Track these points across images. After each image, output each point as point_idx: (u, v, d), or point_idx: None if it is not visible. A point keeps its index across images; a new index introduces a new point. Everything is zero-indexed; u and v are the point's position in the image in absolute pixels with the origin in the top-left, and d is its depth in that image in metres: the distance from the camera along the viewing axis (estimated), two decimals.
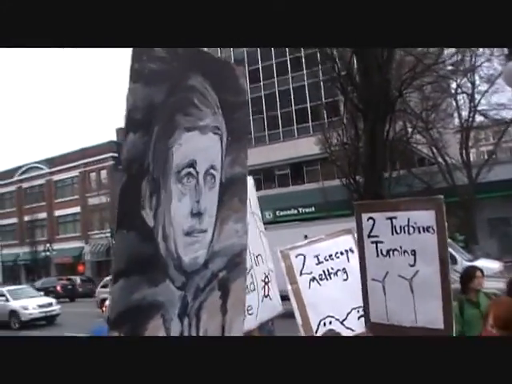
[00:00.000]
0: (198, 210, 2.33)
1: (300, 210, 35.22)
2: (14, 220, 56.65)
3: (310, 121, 37.56)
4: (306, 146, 34.33)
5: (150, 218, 2.05)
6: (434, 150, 30.15)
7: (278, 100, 40.37)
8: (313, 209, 33.87)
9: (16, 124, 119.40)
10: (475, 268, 7.29)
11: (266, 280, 4.57)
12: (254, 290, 4.45)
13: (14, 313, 21.74)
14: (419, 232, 3.53)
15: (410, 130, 29.29)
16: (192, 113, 2.27)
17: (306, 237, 5.07)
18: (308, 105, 38.12)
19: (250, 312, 4.37)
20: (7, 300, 22.18)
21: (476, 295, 6.31)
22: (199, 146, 2.31)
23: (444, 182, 28.88)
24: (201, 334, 2.38)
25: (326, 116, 31.23)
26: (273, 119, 40.70)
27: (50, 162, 53.55)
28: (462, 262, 15.81)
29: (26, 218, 53.60)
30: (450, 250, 16.95)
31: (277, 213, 35.38)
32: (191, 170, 2.28)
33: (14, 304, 21.79)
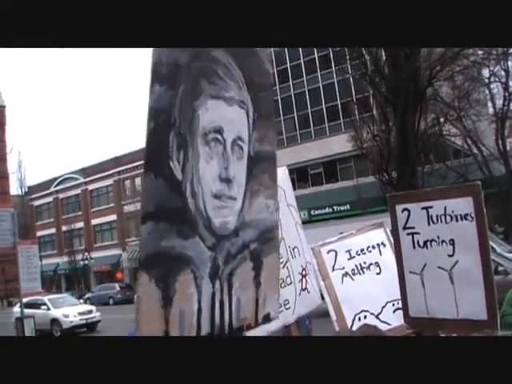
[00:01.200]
0: (227, 176, 2.34)
1: (335, 208, 35.08)
2: (52, 231, 57.69)
3: (341, 118, 37.29)
4: (339, 144, 34.14)
5: (178, 171, 2.07)
6: (469, 141, 29.60)
7: (307, 99, 40.23)
8: (348, 206, 33.66)
9: (50, 135, 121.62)
10: None
11: (304, 273, 4.50)
12: (291, 283, 4.38)
13: (55, 321, 22.22)
14: (457, 220, 3.40)
15: (442, 120, 28.75)
16: (217, 82, 2.28)
17: (341, 234, 5.00)
18: (338, 102, 37.88)
19: (287, 306, 4.31)
20: (48, 309, 22.67)
21: None
22: (226, 115, 2.32)
23: (480, 173, 28.32)
24: (233, 302, 2.40)
25: (356, 112, 30.89)
26: (304, 118, 40.59)
27: (85, 171, 54.43)
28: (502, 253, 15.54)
29: (64, 228, 54.55)
30: (490, 241, 16.82)
31: (312, 212, 35.27)
32: (218, 135, 2.30)
33: (55, 312, 22.33)
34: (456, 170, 28.49)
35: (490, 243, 12.43)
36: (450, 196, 3.44)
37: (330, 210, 35.20)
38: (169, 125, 2.03)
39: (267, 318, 2.74)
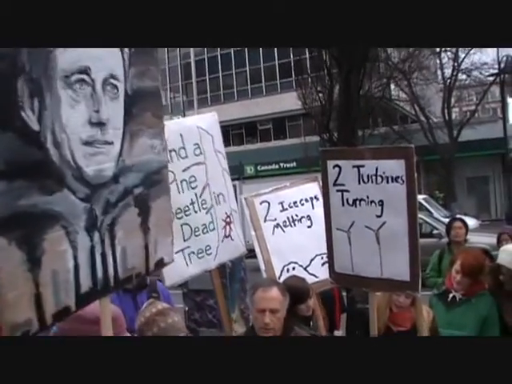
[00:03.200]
0: (99, 120, 2.13)
1: (281, 164, 35.15)
2: None
3: (293, 75, 37.14)
4: (289, 101, 34.00)
5: (33, 121, 1.83)
6: (416, 108, 30.08)
7: (261, 53, 39.81)
8: (294, 164, 33.79)
9: None
10: (455, 219, 7.43)
11: (228, 220, 4.48)
12: (214, 229, 4.36)
13: None
14: (387, 182, 3.39)
15: (389, 83, 29.06)
16: None
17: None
18: (292, 59, 37.64)
19: (208, 252, 4.32)
20: None
21: (457, 246, 6.43)
22: (92, 53, 2.10)
23: (425, 139, 28.91)
24: (117, 252, 2.25)
25: (309, 71, 30.80)
26: (256, 73, 40.19)
27: None
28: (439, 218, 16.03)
29: None
30: (428, 206, 17.30)
31: (258, 167, 35.31)
32: (84, 76, 2.06)
33: None
34: (402, 135, 28.95)
35: (429, 208, 12.88)
36: (382, 157, 3.43)
37: (277, 166, 35.29)
38: (14, 71, 1.78)
39: (161, 264, 2.62)
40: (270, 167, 35.10)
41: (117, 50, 2.26)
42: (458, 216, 9.75)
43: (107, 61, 2.20)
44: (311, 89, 28.01)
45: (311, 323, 4.24)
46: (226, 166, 4.60)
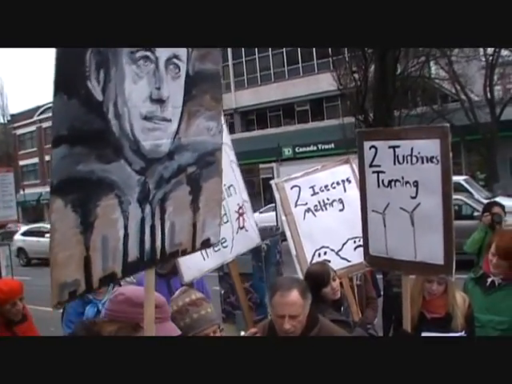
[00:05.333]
0: (159, 97, 2.19)
1: (319, 146, 34.91)
2: (35, 160, 57.06)
3: (330, 56, 36.76)
4: (326, 82, 33.63)
5: (97, 92, 1.90)
6: (457, 86, 29.39)
7: None
8: (332, 145, 33.53)
9: (34, 62, 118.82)
10: (491, 204, 7.32)
11: (241, 211, 4.47)
12: (228, 221, 4.36)
13: None
14: (422, 162, 3.31)
15: (426, 62, 28.42)
16: None
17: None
18: None
19: (224, 244, 4.33)
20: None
21: (495, 229, 6.35)
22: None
23: (466, 119, 28.27)
24: (166, 227, 2.31)
25: (346, 51, 30.44)
26: (292, 54, 39.87)
27: (39, 109, 53.51)
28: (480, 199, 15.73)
29: (47, 158, 53.78)
30: (469, 187, 16.97)
31: (296, 149, 35.16)
32: (148, 53, 2.13)
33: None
34: (442, 114, 28.37)
35: (470, 189, 12.66)
36: (417, 137, 3.35)
37: (315, 148, 35.07)
38: (83, 44, 1.86)
39: (207, 243, 2.66)
40: (307, 149, 34.92)
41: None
42: (494, 200, 9.55)
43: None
44: (346, 69, 27.61)
45: (343, 308, 4.19)
46: (233, 157, 4.63)
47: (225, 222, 4.35)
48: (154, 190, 2.22)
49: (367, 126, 25.33)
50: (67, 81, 1.79)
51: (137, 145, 2.11)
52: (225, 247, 4.34)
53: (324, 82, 34.50)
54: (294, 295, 3.10)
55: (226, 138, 4.50)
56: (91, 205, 1.92)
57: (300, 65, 39.66)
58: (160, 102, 2.20)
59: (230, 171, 4.50)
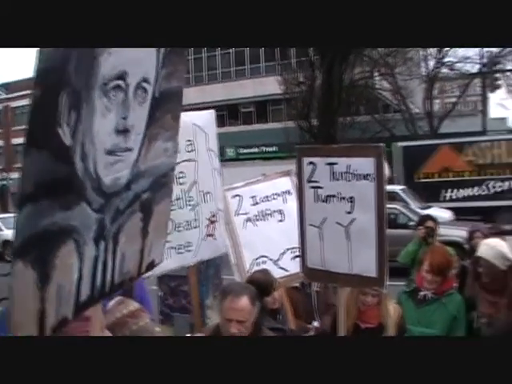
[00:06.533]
0: (125, 127, 2.06)
1: (263, 148, 35.16)
2: None
3: (278, 60, 37.07)
4: (273, 85, 33.95)
5: (67, 136, 1.75)
6: (399, 98, 30.21)
7: None
8: (275, 148, 33.83)
9: None
10: (425, 217, 7.60)
11: (213, 219, 4.50)
12: (197, 227, 4.39)
13: (7, 243, 19.51)
14: (358, 179, 3.45)
15: (373, 73, 29.17)
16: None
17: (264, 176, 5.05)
18: None
19: (188, 248, 4.35)
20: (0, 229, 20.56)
21: (428, 243, 6.58)
22: (132, 56, 2.03)
23: (405, 129, 29.08)
24: (117, 259, 2.21)
25: (294, 56, 30.78)
26: (240, 55, 40.00)
27: (8, 87, 51.48)
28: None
29: (14, 141, 51.01)
30: (405, 197, 17.46)
31: (239, 150, 35.27)
32: (120, 82, 1.99)
33: (8, 233, 19.48)
34: (383, 125, 29.10)
35: (406, 198, 12.96)
36: (354, 155, 3.48)
37: (258, 150, 35.30)
38: (61, 84, 1.70)
39: (151, 266, 2.59)
40: (250, 150, 35.11)
41: (153, 51, 2.18)
42: (428, 213, 9.87)
43: (143, 63, 2.12)
44: (294, 74, 27.99)
45: (279, 317, 4.30)
46: (217, 165, 4.59)
47: (194, 227, 4.38)
48: (110, 225, 2.10)
49: (310, 134, 25.70)
50: (39, 132, 1.66)
51: (98, 182, 1.97)
52: (189, 251, 4.35)
53: (270, 85, 34.80)
54: (244, 301, 3.19)
55: (214, 144, 4.53)
56: (50, 257, 1.80)
57: (247, 66, 39.84)
58: (125, 132, 2.07)
59: (211, 179, 4.49)
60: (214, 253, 4.67)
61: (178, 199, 4.26)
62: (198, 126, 4.36)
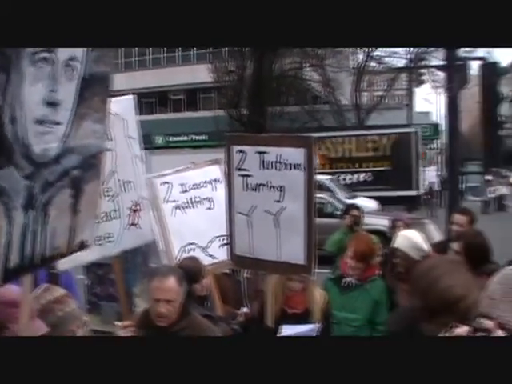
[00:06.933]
0: (53, 100, 2.16)
1: (192, 137, 34.97)
2: None
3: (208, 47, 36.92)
4: (203, 73, 33.78)
5: None
6: (328, 90, 30.73)
7: None
8: (205, 137, 33.72)
9: None
10: (351, 206, 7.78)
11: (135, 208, 4.43)
12: (118, 217, 4.31)
13: None
14: (289, 169, 3.51)
15: (306, 67, 29.56)
16: None
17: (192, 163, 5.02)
18: None
19: (109, 240, 4.27)
20: None
21: (352, 231, 6.74)
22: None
23: (333, 121, 29.65)
24: (48, 232, 2.30)
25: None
26: None
27: None
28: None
29: None
30: (332, 186, 17.82)
31: (168, 138, 34.96)
32: (48, 54, 2.08)
33: None
34: (312, 115, 29.51)
35: (333, 188, 13.20)
36: (284, 145, 3.53)
37: (188, 138, 35.07)
38: None
39: (82, 245, 2.65)
40: (180, 139, 34.86)
41: None
42: (353, 203, 10.11)
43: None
44: (224, 63, 27.98)
45: (207, 303, 4.31)
46: (138, 152, 4.48)
47: (114, 218, 4.29)
48: (40, 195, 2.20)
49: (240, 122, 25.78)
50: None
51: (28, 150, 2.07)
52: (109, 242, 4.28)
53: (201, 73, 34.61)
54: (171, 281, 3.26)
55: (134, 131, 4.41)
56: None
57: (178, 53, 39.43)
58: (54, 104, 2.18)
59: (131, 167, 4.38)
60: (139, 241, 4.62)
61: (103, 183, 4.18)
62: (115, 113, 4.26)
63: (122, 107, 4.33)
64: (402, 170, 23.23)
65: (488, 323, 1.90)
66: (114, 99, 4.51)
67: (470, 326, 1.88)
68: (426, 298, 2.07)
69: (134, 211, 4.41)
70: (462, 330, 1.86)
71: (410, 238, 4.46)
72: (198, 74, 35.31)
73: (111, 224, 4.28)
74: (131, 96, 4.50)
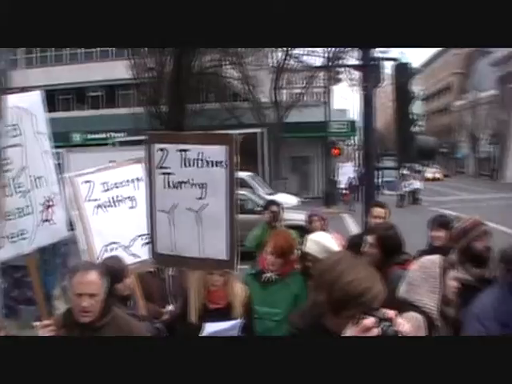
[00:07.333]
0: None
1: (111, 134, 34.31)
2: None
3: None
4: (122, 70, 33.19)
5: None
6: (248, 87, 30.93)
7: None
8: (123, 134, 33.16)
9: None
10: (271, 202, 7.91)
11: (48, 204, 4.37)
12: (30, 213, 4.26)
13: None
14: (211, 166, 3.56)
15: (225, 64, 29.64)
16: None
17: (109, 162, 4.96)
18: None
19: (23, 236, 4.24)
20: None
21: (272, 227, 6.85)
22: None
23: (255, 119, 29.89)
24: None
25: None
26: None
27: None
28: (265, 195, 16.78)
29: None
30: (252, 183, 18.00)
31: (86, 135, 34.19)
32: None
33: None
34: (232, 113, 29.64)
35: (253, 185, 13.33)
36: (206, 142, 3.57)
37: (106, 135, 34.37)
38: None
39: None
40: (98, 136, 34.12)
41: None
42: (272, 199, 10.25)
43: None
44: (143, 59, 27.64)
45: (130, 303, 4.30)
46: (48, 147, 4.46)
47: (27, 214, 4.25)
48: None
49: (160, 120, 25.57)
50: None
51: None
52: (23, 239, 4.21)
53: (119, 70, 33.99)
54: (94, 274, 3.28)
55: (43, 127, 4.37)
56: None
57: (96, 49, 38.54)
58: None
59: (41, 163, 4.33)
60: (54, 238, 4.58)
61: (5, 187, 4.10)
62: (23, 108, 4.21)
63: (30, 103, 4.31)
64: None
65: (390, 312, 2.00)
66: (20, 95, 4.45)
67: (375, 316, 1.97)
68: (331, 292, 2.12)
69: (47, 207, 4.36)
70: (370, 321, 1.94)
71: (319, 242, 4.59)
72: (117, 70, 34.71)
73: (25, 220, 4.24)
74: (38, 91, 4.48)
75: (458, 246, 4.23)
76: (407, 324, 2.02)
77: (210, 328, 3.74)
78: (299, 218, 12.10)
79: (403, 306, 2.97)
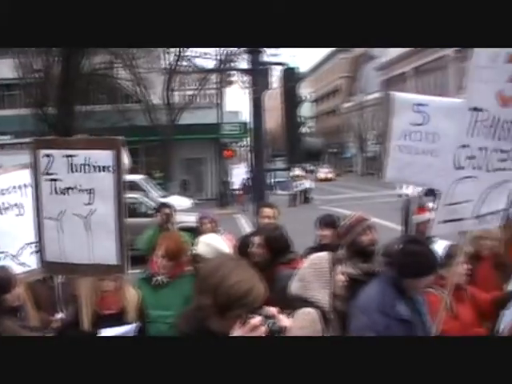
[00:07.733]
0: None
1: None
2: None
3: None
4: (7, 69, 31.73)
5: None
6: (139, 89, 30.61)
7: None
8: (10, 136, 31.74)
9: None
10: (163, 204, 7.93)
11: None
12: None
13: None
14: (98, 171, 3.56)
15: (116, 66, 29.15)
16: None
17: None
18: None
19: None
20: None
21: (164, 230, 6.86)
22: None
23: (146, 121, 29.61)
24: None
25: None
26: None
27: None
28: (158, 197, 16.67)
29: None
30: (145, 186, 17.84)
31: None
32: None
33: None
34: (124, 115, 29.17)
35: (145, 188, 13.24)
36: (93, 147, 3.57)
37: None
38: None
39: None
40: None
41: None
42: (164, 201, 10.25)
43: None
44: (30, 59, 26.62)
45: (21, 314, 4.18)
46: None
47: None
48: None
49: (47, 123, 24.76)
50: None
51: None
52: None
53: (4, 69, 32.50)
54: None
55: None
56: None
57: None
58: None
59: None
60: None
61: None
62: None
63: None
64: None
65: (272, 310, 2.11)
66: None
67: (260, 315, 2.07)
68: (215, 296, 2.18)
69: None
70: (257, 320, 2.04)
71: (210, 244, 4.69)
72: (2, 69, 33.16)
73: None
74: None
75: (344, 241, 4.47)
76: (288, 319, 2.15)
77: (106, 334, 3.74)
78: (191, 220, 12.23)
79: (297, 303, 3.15)
